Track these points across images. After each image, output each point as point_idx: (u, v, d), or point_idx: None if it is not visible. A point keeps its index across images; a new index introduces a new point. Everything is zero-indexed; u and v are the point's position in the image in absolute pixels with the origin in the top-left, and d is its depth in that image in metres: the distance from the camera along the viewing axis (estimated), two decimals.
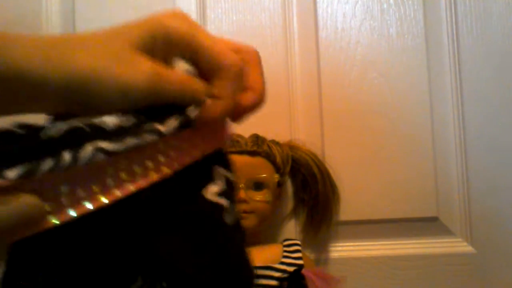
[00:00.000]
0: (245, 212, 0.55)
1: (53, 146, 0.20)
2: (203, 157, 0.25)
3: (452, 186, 0.64)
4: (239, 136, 0.59)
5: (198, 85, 0.24)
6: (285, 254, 0.57)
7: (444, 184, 0.64)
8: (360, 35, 0.66)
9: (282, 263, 0.55)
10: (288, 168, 0.60)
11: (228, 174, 0.26)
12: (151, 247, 0.23)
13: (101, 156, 0.20)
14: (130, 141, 0.21)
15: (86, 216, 0.20)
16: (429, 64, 0.65)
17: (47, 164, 0.19)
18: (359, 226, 0.64)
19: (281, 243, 0.60)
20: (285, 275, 0.53)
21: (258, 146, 0.58)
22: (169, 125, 0.23)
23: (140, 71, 0.22)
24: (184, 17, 0.25)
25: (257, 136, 0.60)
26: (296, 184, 0.64)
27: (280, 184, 0.60)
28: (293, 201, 0.65)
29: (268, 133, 0.61)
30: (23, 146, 0.19)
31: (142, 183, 0.22)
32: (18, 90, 0.20)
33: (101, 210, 0.21)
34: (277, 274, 0.53)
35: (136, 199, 0.22)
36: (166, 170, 0.23)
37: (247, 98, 0.27)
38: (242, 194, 0.55)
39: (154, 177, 0.23)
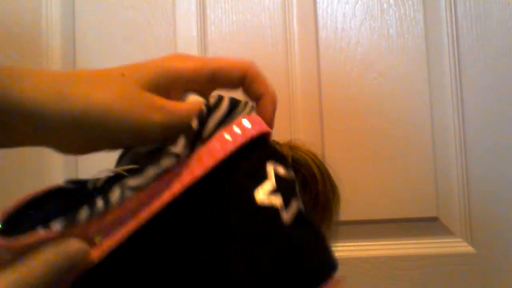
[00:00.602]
0: None
1: (92, 195, 0.21)
2: (253, 155, 0.24)
3: (452, 186, 0.64)
4: None
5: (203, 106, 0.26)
6: None
7: (444, 184, 0.64)
8: (360, 35, 0.66)
9: None
10: None
11: (281, 167, 0.26)
12: (200, 266, 0.22)
13: (128, 193, 0.21)
14: (151, 171, 0.22)
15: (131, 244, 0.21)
16: (429, 64, 0.65)
17: (84, 212, 0.21)
18: (359, 226, 0.64)
19: None
20: None
21: None
22: (180, 145, 0.23)
23: (150, 109, 0.23)
24: (183, 56, 0.26)
25: None
26: None
27: None
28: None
29: None
30: (68, 199, 0.21)
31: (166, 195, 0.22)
32: (28, 122, 0.20)
33: (142, 239, 0.21)
34: None
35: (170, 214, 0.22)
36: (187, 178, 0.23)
37: (267, 100, 0.28)
38: None
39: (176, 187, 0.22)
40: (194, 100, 0.26)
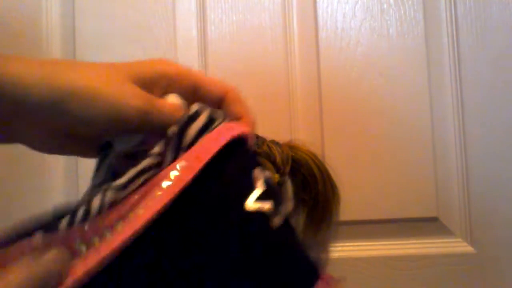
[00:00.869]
0: None
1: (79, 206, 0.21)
2: (239, 166, 0.24)
3: (452, 186, 0.64)
4: None
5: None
6: None
7: (444, 184, 0.64)
8: (360, 35, 0.66)
9: None
10: (288, 168, 0.60)
11: (268, 173, 0.26)
12: (189, 276, 0.22)
13: (109, 196, 0.21)
14: (132, 171, 0.22)
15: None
16: (429, 64, 0.65)
17: (65, 221, 0.21)
18: (359, 226, 0.64)
19: None
20: None
21: (257, 146, 0.57)
22: (159, 146, 0.23)
23: (133, 95, 0.23)
24: (170, 61, 0.27)
25: (257, 136, 0.60)
26: (296, 184, 0.64)
27: (280, 184, 0.59)
28: (293, 201, 0.65)
29: (268, 133, 0.61)
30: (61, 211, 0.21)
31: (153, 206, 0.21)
32: (8, 104, 0.20)
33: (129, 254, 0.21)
34: None
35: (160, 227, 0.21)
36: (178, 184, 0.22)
37: (246, 124, 0.29)
38: None
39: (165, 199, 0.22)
40: (173, 100, 0.26)
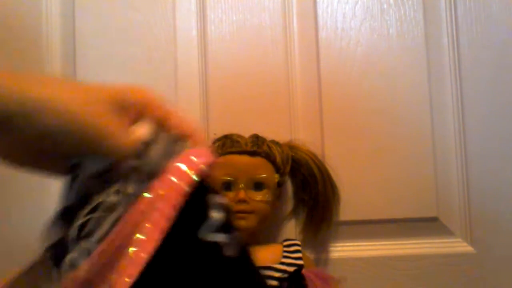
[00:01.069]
0: (245, 212, 0.55)
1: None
2: (192, 199, 0.24)
3: (452, 186, 0.64)
4: (239, 136, 0.59)
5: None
6: (285, 254, 0.57)
7: (444, 184, 0.64)
8: (360, 35, 0.66)
9: (282, 263, 0.55)
10: (288, 168, 0.60)
11: (219, 203, 0.26)
12: None
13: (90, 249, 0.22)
14: (107, 223, 0.23)
15: None
16: (429, 64, 0.65)
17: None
18: (359, 226, 0.64)
19: (281, 243, 0.60)
20: (285, 275, 0.53)
21: (258, 146, 0.58)
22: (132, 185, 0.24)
23: (97, 116, 0.23)
24: (146, 91, 0.27)
25: (257, 136, 0.60)
26: (296, 184, 0.64)
27: (280, 184, 0.60)
28: (293, 201, 0.65)
29: (268, 133, 0.61)
30: None
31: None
32: None
33: None
34: (277, 274, 0.53)
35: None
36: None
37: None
38: (242, 194, 0.55)
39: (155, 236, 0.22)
40: (142, 126, 0.26)
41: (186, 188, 0.24)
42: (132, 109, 0.26)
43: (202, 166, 0.25)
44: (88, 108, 0.23)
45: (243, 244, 0.26)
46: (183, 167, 0.24)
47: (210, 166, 0.26)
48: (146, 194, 0.23)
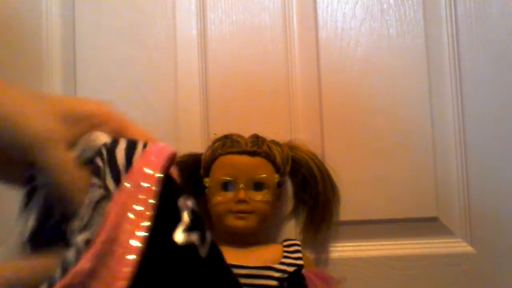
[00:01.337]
0: (245, 212, 0.55)
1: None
2: (165, 200, 0.24)
3: (452, 186, 0.64)
4: (239, 136, 0.59)
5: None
6: (285, 254, 0.57)
7: (444, 184, 0.64)
8: (360, 35, 0.66)
9: (282, 263, 0.55)
10: (288, 168, 0.60)
11: (190, 201, 0.26)
12: None
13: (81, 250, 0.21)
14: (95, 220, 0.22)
15: None
16: (429, 64, 0.65)
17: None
18: (359, 226, 0.64)
19: (281, 243, 0.60)
20: (285, 275, 0.53)
21: (258, 146, 0.58)
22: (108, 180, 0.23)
23: (44, 125, 0.23)
24: (102, 105, 0.28)
25: (257, 136, 0.60)
26: (296, 184, 0.64)
27: (280, 184, 0.60)
28: (293, 201, 0.65)
29: (268, 133, 0.61)
30: None
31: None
32: None
33: None
34: (277, 274, 0.53)
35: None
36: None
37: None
38: (242, 194, 0.55)
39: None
40: (89, 136, 0.26)
41: (154, 188, 0.24)
42: (85, 121, 0.26)
43: (164, 163, 0.25)
44: (29, 113, 0.23)
45: (213, 243, 0.26)
46: (145, 168, 0.24)
47: (172, 160, 0.26)
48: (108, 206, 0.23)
